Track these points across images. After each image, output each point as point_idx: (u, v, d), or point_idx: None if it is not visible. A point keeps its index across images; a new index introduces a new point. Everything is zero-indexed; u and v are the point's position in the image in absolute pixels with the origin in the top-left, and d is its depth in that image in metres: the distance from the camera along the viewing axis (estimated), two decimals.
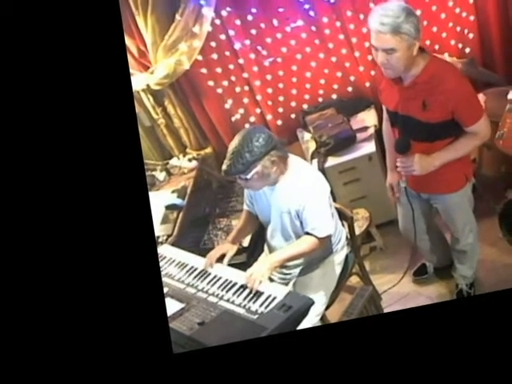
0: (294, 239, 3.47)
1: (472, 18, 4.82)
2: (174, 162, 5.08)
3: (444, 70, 3.22)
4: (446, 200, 3.57)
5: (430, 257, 4.20)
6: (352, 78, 4.98)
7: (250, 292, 3.22)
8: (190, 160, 5.02)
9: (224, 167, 3.25)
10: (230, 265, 3.48)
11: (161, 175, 4.95)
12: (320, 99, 5.04)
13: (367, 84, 4.91)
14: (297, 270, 3.57)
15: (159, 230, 4.21)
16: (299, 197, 3.31)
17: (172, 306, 3.21)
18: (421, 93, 3.18)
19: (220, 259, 3.51)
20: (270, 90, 4.97)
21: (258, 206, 3.59)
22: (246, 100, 5.01)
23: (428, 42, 4.84)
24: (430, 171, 3.28)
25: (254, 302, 3.15)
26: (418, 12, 4.66)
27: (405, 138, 3.31)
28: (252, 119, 5.07)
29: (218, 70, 4.86)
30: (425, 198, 3.66)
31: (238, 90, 4.97)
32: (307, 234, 3.38)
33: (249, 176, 3.24)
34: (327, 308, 3.60)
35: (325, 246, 3.47)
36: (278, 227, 3.50)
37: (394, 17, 2.98)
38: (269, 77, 4.91)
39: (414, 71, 3.18)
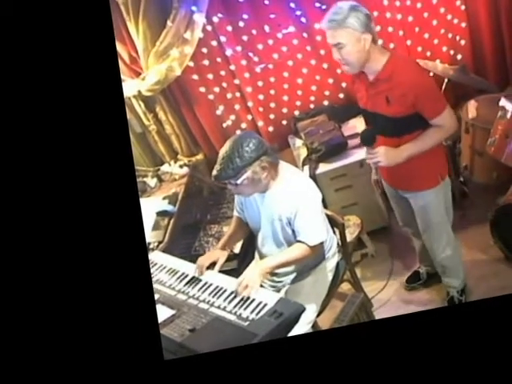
0: (285, 246, 3.46)
1: (464, 24, 4.85)
2: (165, 168, 5.07)
3: (403, 65, 3.30)
4: (418, 197, 3.60)
5: (422, 259, 4.22)
6: (343, 85, 5.00)
7: (241, 298, 3.20)
8: (181, 166, 5.01)
9: (214, 172, 3.24)
10: (220, 271, 3.46)
11: (152, 181, 4.93)
12: (311, 106, 5.06)
13: None
14: (288, 278, 3.56)
15: (150, 236, 4.19)
16: (290, 204, 3.30)
17: (163, 313, 3.19)
18: (383, 88, 3.26)
19: (211, 266, 3.49)
20: (261, 97, 4.97)
21: (249, 213, 3.57)
22: (237, 106, 5.02)
23: (420, 49, 4.88)
24: (400, 164, 3.34)
25: (245, 309, 3.14)
26: (399, 16, 4.74)
27: (370, 130, 3.40)
28: (243, 125, 5.07)
29: (210, 76, 4.86)
30: (403, 197, 3.70)
31: (229, 96, 4.97)
32: (299, 241, 3.37)
33: (239, 181, 3.23)
34: (318, 315, 3.58)
35: (316, 254, 3.46)
36: (269, 234, 3.48)
37: (341, 13, 3.13)
38: (260, 83, 4.92)
39: (376, 67, 3.27)
